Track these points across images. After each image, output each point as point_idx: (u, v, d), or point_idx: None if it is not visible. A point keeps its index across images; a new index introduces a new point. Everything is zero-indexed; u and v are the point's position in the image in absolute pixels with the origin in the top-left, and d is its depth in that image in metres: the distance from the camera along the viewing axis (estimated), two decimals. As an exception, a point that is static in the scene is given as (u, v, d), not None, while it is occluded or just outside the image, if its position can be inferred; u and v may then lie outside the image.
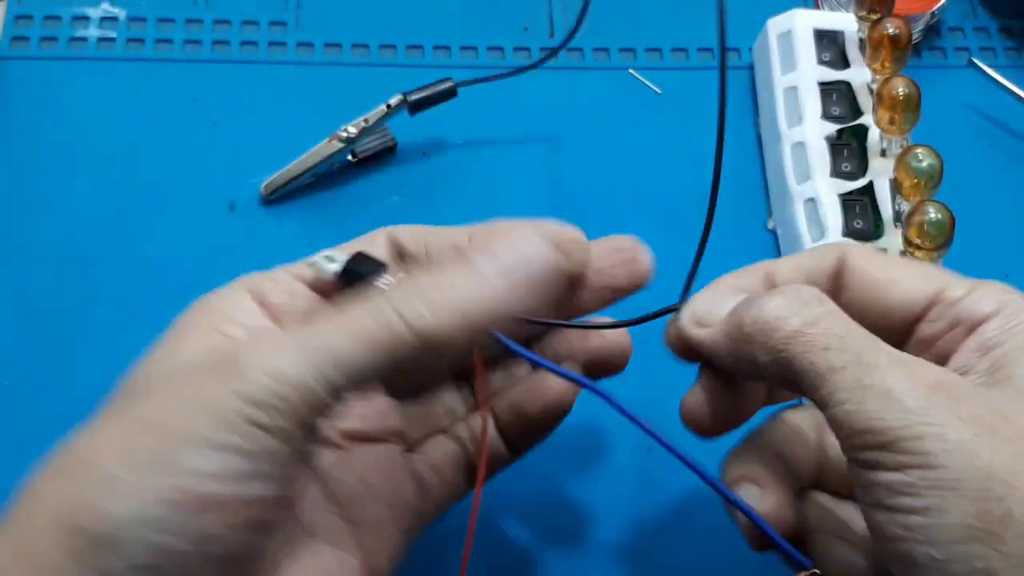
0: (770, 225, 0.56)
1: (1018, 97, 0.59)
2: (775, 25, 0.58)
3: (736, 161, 0.58)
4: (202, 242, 0.52)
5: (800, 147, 0.54)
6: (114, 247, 0.51)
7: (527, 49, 0.60)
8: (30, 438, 0.46)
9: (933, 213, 0.47)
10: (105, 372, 0.47)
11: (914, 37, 0.61)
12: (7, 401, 0.47)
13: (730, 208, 0.56)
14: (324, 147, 0.53)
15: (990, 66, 0.60)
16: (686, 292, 0.38)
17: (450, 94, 0.54)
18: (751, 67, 0.61)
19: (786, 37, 0.57)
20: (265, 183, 0.53)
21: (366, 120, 0.53)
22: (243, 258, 0.51)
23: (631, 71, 0.60)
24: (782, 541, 0.33)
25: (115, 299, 0.50)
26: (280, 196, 0.53)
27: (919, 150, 0.49)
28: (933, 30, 0.63)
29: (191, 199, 0.53)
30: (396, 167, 0.55)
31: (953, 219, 0.47)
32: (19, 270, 0.50)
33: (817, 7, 0.63)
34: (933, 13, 0.61)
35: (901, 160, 0.49)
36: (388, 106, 0.53)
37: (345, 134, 0.53)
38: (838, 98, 0.55)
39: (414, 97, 0.53)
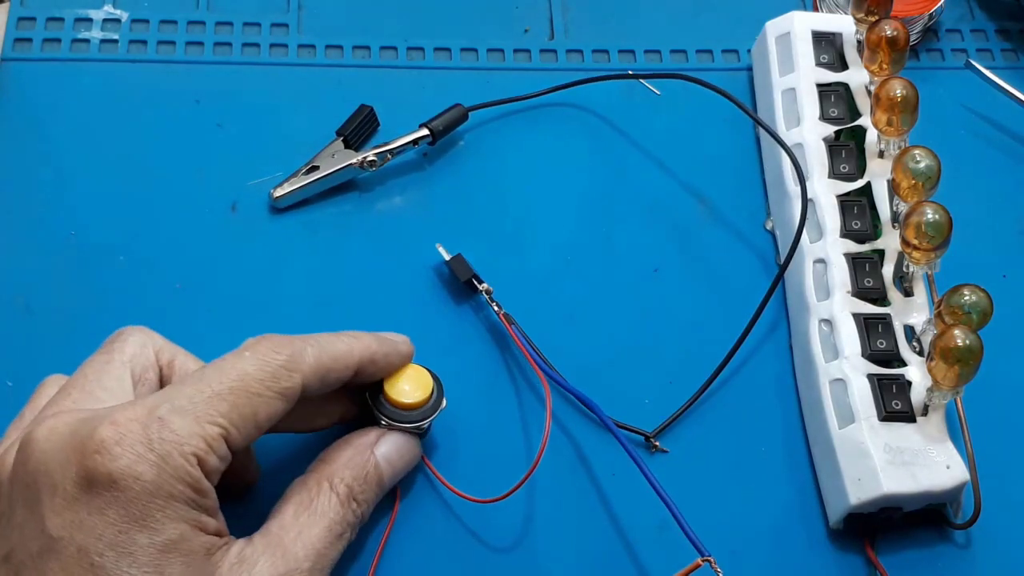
0: (768, 226, 0.56)
1: (1015, 98, 0.60)
2: (773, 27, 0.59)
3: (735, 162, 0.58)
4: (204, 243, 0.52)
5: (798, 148, 0.54)
6: (116, 248, 0.51)
7: (527, 51, 0.60)
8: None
9: (931, 214, 0.47)
10: (108, 371, 0.48)
11: (912, 39, 0.62)
12: (9, 402, 0.47)
13: (729, 209, 0.56)
14: (343, 167, 0.53)
15: (987, 68, 0.61)
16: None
17: (462, 119, 0.56)
18: (750, 69, 0.61)
19: (784, 39, 0.58)
20: (277, 192, 0.53)
21: (391, 153, 0.54)
22: (245, 258, 0.52)
23: (631, 73, 0.60)
24: (684, 522, 0.41)
25: (117, 300, 0.50)
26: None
27: (917, 151, 0.49)
28: (931, 32, 0.64)
29: (193, 200, 0.53)
30: (396, 167, 0.55)
31: (951, 220, 0.47)
32: (21, 271, 0.50)
33: (816, 9, 0.63)
34: (931, 15, 0.61)
35: (899, 161, 0.50)
36: (415, 142, 0.54)
37: (368, 159, 0.53)
38: (836, 100, 0.55)
39: (436, 125, 0.55)
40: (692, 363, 0.51)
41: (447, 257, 0.51)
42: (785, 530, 0.48)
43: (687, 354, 0.51)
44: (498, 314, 0.50)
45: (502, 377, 0.50)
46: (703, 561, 0.41)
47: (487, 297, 0.50)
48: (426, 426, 0.44)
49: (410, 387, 0.43)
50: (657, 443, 0.49)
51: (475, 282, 0.51)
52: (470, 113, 0.56)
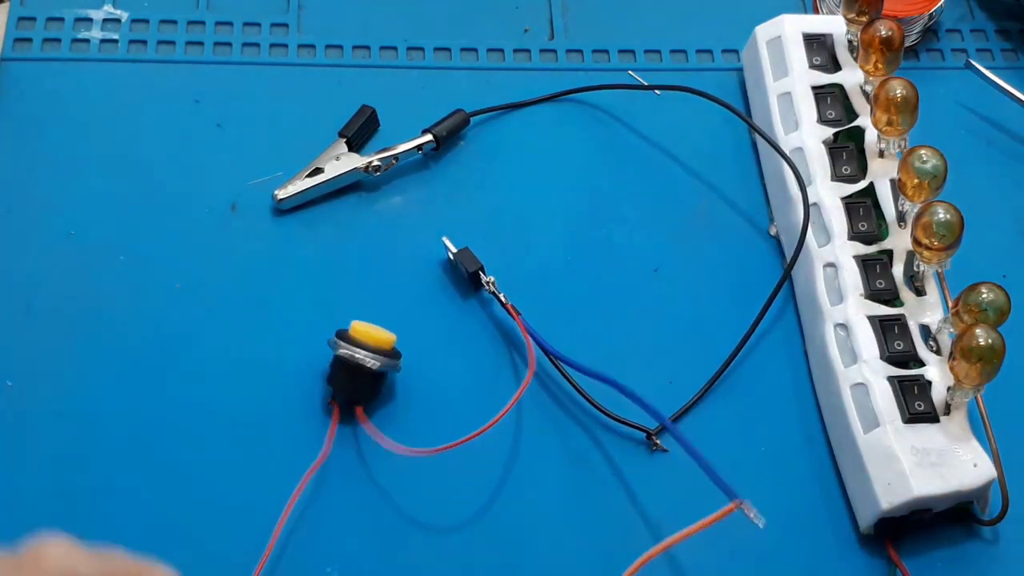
0: (772, 231, 0.55)
1: (1015, 98, 0.60)
2: (764, 32, 0.58)
3: (734, 162, 0.58)
4: (204, 242, 0.52)
5: (799, 152, 0.54)
6: (116, 247, 0.51)
7: (527, 51, 0.60)
8: (33, 438, 0.46)
9: (942, 213, 0.47)
10: (107, 371, 0.48)
11: (912, 39, 0.62)
12: (10, 402, 0.47)
13: (729, 209, 0.56)
14: (348, 171, 0.53)
15: (987, 68, 0.61)
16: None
17: (464, 123, 0.56)
18: (740, 70, 0.61)
19: (775, 43, 0.57)
20: (280, 194, 0.53)
21: (396, 158, 0.54)
22: (244, 257, 0.52)
23: (631, 73, 0.60)
24: (714, 473, 0.42)
25: (117, 299, 0.50)
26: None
27: (923, 151, 0.49)
28: (931, 32, 0.63)
29: (193, 200, 0.53)
30: (395, 168, 0.55)
31: (962, 219, 0.47)
32: (22, 270, 0.50)
33: (816, 10, 0.63)
34: (931, 15, 0.61)
35: (905, 161, 0.49)
36: (420, 147, 0.55)
37: (373, 163, 0.54)
38: (832, 102, 0.55)
39: (440, 131, 0.55)
40: (693, 363, 0.51)
41: (454, 250, 0.51)
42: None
43: (688, 354, 0.51)
44: (504, 305, 0.50)
45: (505, 371, 0.50)
46: (737, 505, 0.41)
47: (492, 288, 0.50)
48: None
49: None
50: (658, 441, 0.49)
51: (481, 273, 0.51)
52: (472, 118, 0.57)
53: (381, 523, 0.46)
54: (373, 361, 0.46)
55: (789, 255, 0.54)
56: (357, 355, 0.46)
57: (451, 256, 0.52)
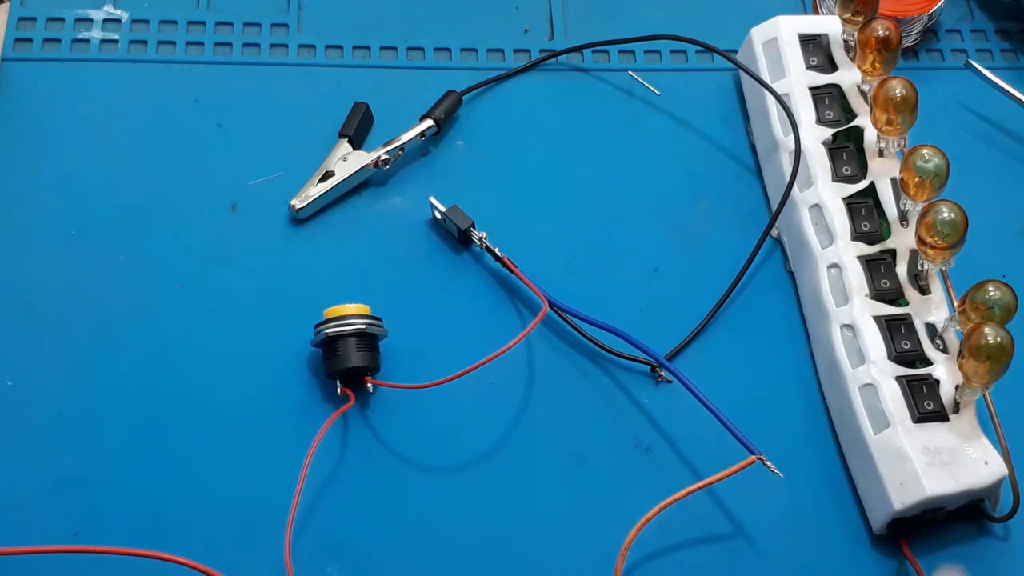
0: (774, 233, 0.55)
1: (1015, 98, 0.60)
2: (759, 33, 0.58)
3: (733, 161, 0.58)
4: (204, 242, 0.52)
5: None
6: (116, 247, 0.51)
7: (527, 51, 0.60)
8: (32, 437, 0.46)
9: (946, 212, 0.47)
10: (107, 371, 0.48)
11: (911, 39, 0.62)
12: (10, 401, 0.47)
13: (728, 208, 0.56)
14: (357, 171, 0.54)
15: (987, 68, 0.61)
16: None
17: (458, 103, 0.57)
18: (735, 70, 0.61)
19: (771, 45, 0.57)
20: (298, 204, 0.52)
21: (402, 149, 0.55)
22: (244, 257, 0.52)
23: (631, 73, 0.60)
24: (733, 428, 0.45)
25: (117, 299, 0.50)
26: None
27: (925, 150, 0.49)
28: (931, 32, 0.64)
29: (193, 199, 0.53)
30: (396, 167, 0.55)
31: (966, 218, 0.47)
32: (22, 270, 0.50)
33: (816, 10, 0.63)
34: (931, 15, 0.61)
35: (907, 161, 0.49)
36: (422, 134, 0.55)
37: (381, 158, 0.54)
38: (830, 102, 0.55)
39: (438, 114, 0.56)
40: (695, 361, 0.51)
41: (443, 208, 0.52)
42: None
43: (688, 353, 0.51)
44: (500, 259, 0.51)
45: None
46: (756, 459, 0.44)
47: (484, 243, 0.51)
48: None
49: None
50: (663, 373, 0.50)
51: (472, 229, 0.52)
52: (464, 98, 0.57)
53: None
54: (358, 323, 0.47)
55: (792, 256, 0.54)
56: (342, 326, 0.47)
57: (438, 215, 0.52)
